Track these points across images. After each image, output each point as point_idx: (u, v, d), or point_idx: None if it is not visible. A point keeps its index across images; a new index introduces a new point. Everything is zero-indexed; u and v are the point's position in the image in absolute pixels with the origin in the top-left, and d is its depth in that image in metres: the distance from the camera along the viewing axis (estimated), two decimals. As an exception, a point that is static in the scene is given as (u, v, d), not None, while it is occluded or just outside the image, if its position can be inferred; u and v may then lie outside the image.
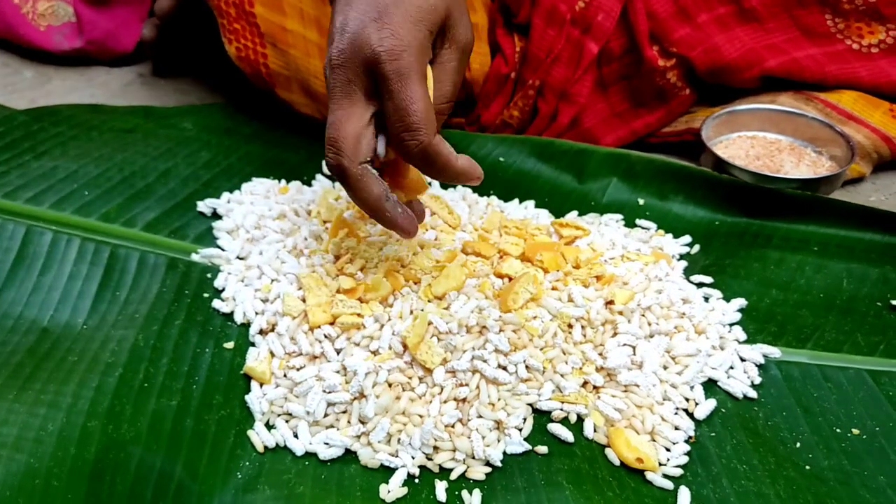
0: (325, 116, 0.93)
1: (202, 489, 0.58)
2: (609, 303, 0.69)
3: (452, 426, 0.62)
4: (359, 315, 0.67)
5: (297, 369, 0.65)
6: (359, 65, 0.59)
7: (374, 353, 0.65)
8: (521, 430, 0.62)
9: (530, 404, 0.64)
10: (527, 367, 0.64)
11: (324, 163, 0.92)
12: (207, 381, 0.66)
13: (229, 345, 0.69)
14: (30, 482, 0.55)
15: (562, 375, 0.65)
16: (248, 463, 0.60)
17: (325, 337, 0.66)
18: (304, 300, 0.69)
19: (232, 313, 0.71)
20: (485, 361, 0.63)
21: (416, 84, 0.59)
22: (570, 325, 0.67)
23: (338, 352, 0.65)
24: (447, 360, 0.64)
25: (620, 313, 0.69)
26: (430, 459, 0.60)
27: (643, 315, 0.69)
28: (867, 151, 0.95)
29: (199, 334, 0.69)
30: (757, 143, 0.98)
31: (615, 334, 0.68)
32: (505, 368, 0.64)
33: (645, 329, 0.68)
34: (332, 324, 0.67)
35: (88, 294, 0.73)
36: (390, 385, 0.63)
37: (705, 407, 0.65)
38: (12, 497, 0.54)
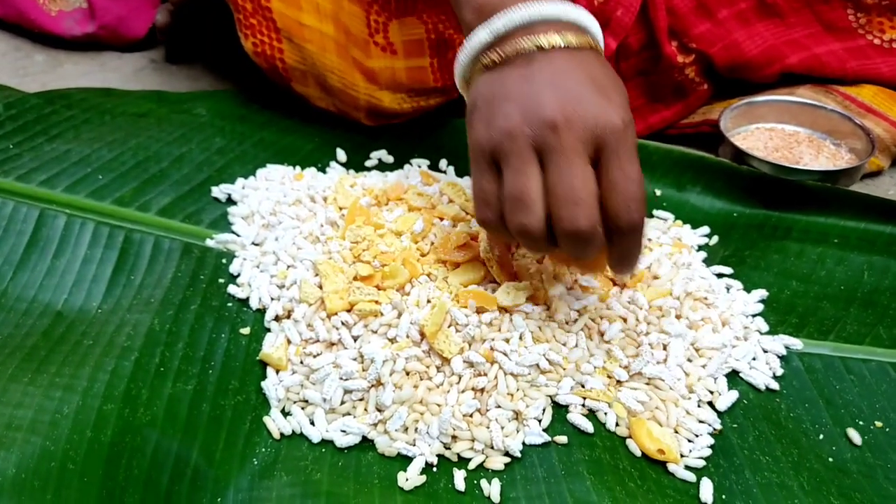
0: (340, 110, 0.93)
1: (218, 474, 0.57)
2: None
3: (471, 416, 0.61)
4: (376, 302, 0.66)
5: (314, 356, 0.64)
6: (587, 129, 0.56)
7: (392, 340, 0.64)
8: (540, 421, 0.61)
9: (550, 396, 0.63)
10: (548, 360, 0.63)
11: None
12: (223, 367, 0.65)
13: (245, 330, 0.68)
14: (46, 465, 0.54)
15: (584, 374, 0.64)
16: (264, 449, 0.59)
17: (343, 324, 0.65)
18: (320, 287, 0.68)
19: (247, 299, 0.71)
20: (504, 354, 0.63)
21: (638, 160, 0.58)
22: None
23: (355, 339, 0.65)
24: (464, 350, 0.63)
25: (660, 309, 0.68)
26: (448, 448, 0.60)
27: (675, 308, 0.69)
28: (886, 145, 0.95)
29: (215, 319, 0.69)
30: (775, 134, 0.97)
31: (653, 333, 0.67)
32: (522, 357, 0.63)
33: (678, 326, 0.68)
34: (349, 311, 0.66)
35: (103, 278, 0.72)
36: (408, 373, 0.62)
37: (727, 398, 0.64)
38: (28, 479, 0.53)
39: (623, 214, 0.57)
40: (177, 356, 0.65)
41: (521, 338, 0.64)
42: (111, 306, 0.70)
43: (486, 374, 0.62)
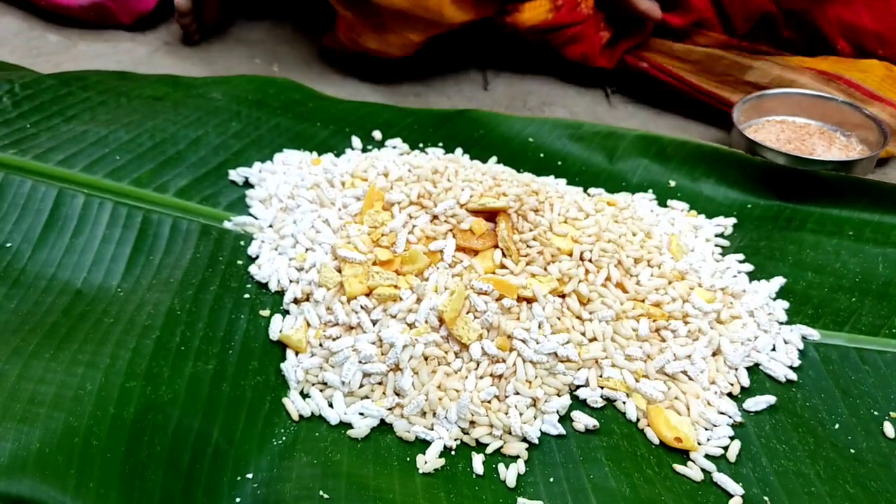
0: None
1: (239, 453, 0.58)
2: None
3: (489, 402, 0.61)
4: (395, 287, 0.66)
5: (334, 339, 0.65)
6: None
7: (411, 325, 0.64)
8: (558, 410, 0.62)
9: (568, 384, 0.64)
10: (566, 349, 0.63)
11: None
12: (243, 347, 0.65)
13: (265, 312, 0.68)
14: (69, 441, 0.55)
15: (602, 363, 0.64)
16: (283, 430, 0.60)
17: (362, 308, 0.65)
18: (339, 270, 0.68)
19: (266, 282, 0.71)
20: (523, 342, 0.63)
21: None
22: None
23: (374, 323, 0.65)
24: (483, 337, 0.63)
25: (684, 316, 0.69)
26: (466, 433, 0.60)
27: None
28: (893, 130, 0.95)
29: (234, 301, 0.69)
30: (786, 127, 0.98)
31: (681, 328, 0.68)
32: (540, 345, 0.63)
33: (712, 332, 0.68)
34: (368, 295, 0.66)
35: (122, 257, 0.73)
36: (426, 359, 0.63)
37: (758, 401, 0.64)
38: (52, 454, 0.53)
39: None
40: (197, 336, 0.65)
41: (539, 326, 0.64)
42: (131, 285, 0.70)
43: (504, 361, 0.63)
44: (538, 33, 1.07)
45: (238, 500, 0.55)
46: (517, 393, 0.62)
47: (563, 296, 0.67)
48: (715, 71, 1.03)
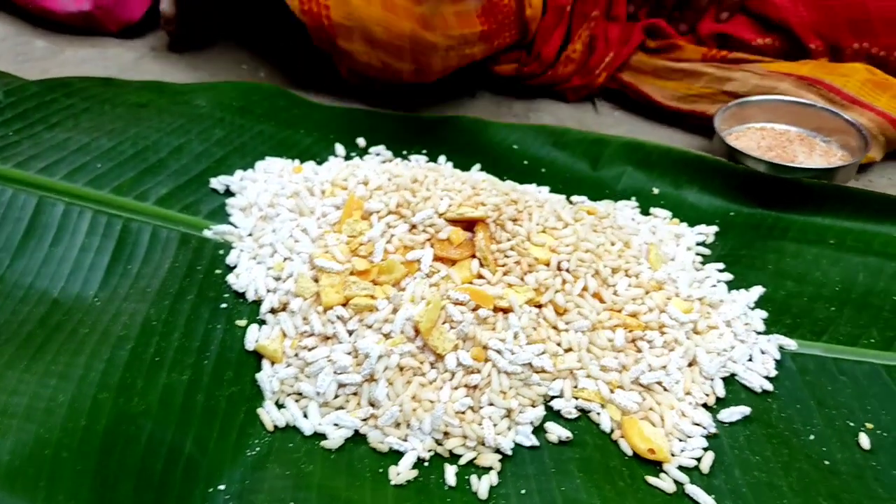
0: (384, 63, 0.97)
1: (212, 464, 0.57)
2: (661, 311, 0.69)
3: (463, 413, 0.61)
4: (372, 297, 0.66)
5: (309, 349, 0.65)
6: None
7: (386, 336, 0.64)
8: (532, 421, 0.61)
9: (542, 395, 0.63)
10: (541, 360, 0.63)
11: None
12: (219, 358, 0.65)
13: (242, 322, 0.68)
14: (40, 452, 0.55)
15: (577, 374, 0.64)
16: (257, 440, 0.60)
17: (338, 318, 0.65)
18: (316, 280, 0.68)
19: (244, 291, 0.71)
20: (499, 352, 0.63)
21: None
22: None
23: (350, 333, 0.65)
24: (458, 347, 0.63)
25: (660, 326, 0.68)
26: (440, 444, 0.60)
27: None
28: (873, 135, 0.95)
29: (211, 310, 0.69)
30: (767, 134, 0.98)
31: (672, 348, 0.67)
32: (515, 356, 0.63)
33: (688, 342, 0.68)
34: (344, 305, 0.66)
35: (100, 266, 0.73)
36: (401, 369, 0.63)
37: (732, 412, 0.64)
38: (22, 467, 0.54)
39: None
40: (172, 346, 0.65)
41: (515, 337, 0.64)
42: (108, 295, 0.70)
43: (479, 372, 0.63)
44: (515, 79, 1.12)
45: (209, 511, 0.55)
46: (491, 404, 0.62)
47: (539, 306, 0.67)
48: (695, 86, 1.04)
